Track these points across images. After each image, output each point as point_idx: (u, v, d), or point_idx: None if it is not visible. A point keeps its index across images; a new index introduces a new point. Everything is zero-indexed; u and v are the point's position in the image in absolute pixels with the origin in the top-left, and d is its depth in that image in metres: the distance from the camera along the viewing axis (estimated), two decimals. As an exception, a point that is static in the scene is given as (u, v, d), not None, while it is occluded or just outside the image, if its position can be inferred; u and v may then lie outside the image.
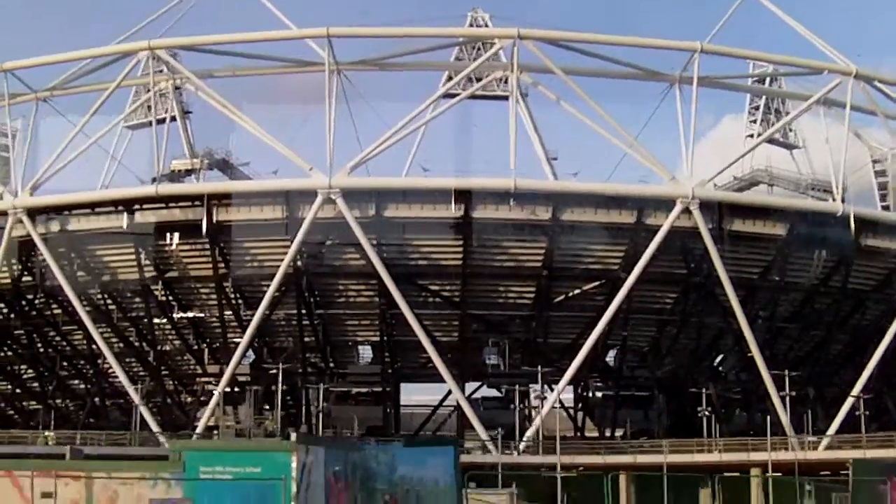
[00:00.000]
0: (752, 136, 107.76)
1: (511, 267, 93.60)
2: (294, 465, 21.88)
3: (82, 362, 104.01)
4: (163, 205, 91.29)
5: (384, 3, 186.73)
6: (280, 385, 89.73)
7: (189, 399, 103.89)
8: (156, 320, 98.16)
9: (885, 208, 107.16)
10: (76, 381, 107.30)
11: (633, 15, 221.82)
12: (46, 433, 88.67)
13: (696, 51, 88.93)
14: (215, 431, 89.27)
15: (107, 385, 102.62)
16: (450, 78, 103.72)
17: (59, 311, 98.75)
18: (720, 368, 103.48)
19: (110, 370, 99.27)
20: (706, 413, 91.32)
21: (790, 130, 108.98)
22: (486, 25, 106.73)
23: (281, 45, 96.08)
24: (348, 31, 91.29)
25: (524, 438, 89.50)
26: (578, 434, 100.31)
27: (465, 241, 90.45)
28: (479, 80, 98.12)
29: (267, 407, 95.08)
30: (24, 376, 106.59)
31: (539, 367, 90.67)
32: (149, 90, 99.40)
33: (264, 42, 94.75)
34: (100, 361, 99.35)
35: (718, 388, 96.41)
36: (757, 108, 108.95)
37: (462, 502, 25.59)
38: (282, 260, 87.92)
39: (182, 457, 22.33)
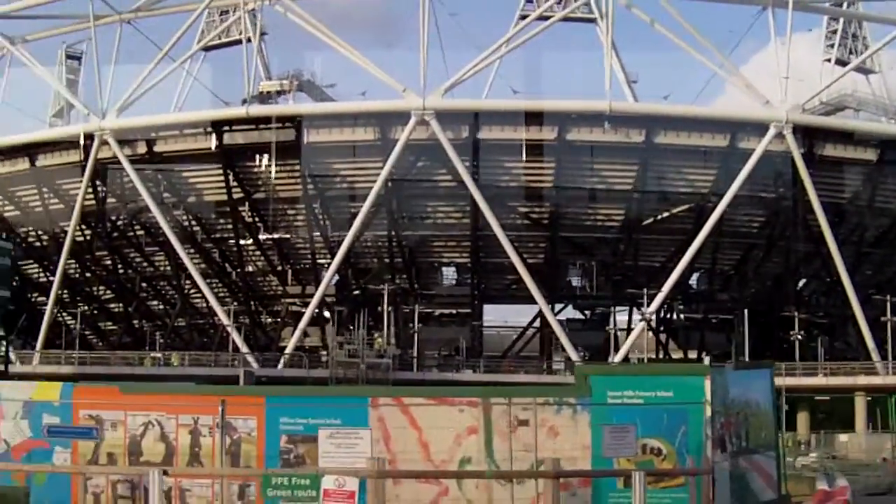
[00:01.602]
0: (829, 60, 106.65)
1: (602, 189, 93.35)
2: (708, 389, 21.75)
3: (163, 283, 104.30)
4: (252, 126, 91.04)
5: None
6: (385, 307, 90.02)
7: (269, 320, 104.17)
8: (241, 241, 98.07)
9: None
10: (155, 303, 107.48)
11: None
12: (172, 354, 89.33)
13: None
14: (324, 353, 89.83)
15: (188, 306, 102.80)
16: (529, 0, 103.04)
17: (142, 232, 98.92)
18: (803, 293, 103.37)
19: (192, 291, 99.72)
20: (798, 337, 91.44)
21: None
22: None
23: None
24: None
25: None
26: (665, 356, 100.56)
27: (557, 163, 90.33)
28: (557, 2, 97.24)
29: (351, 328, 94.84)
30: (104, 297, 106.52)
31: (640, 290, 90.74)
32: (223, 12, 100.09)
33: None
34: (182, 282, 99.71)
35: (802, 313, 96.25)
36: (834, 33, 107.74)
37: (780, 423, 25.69)
38: (373, 181, 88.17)
39: (588, 381, 22.09)
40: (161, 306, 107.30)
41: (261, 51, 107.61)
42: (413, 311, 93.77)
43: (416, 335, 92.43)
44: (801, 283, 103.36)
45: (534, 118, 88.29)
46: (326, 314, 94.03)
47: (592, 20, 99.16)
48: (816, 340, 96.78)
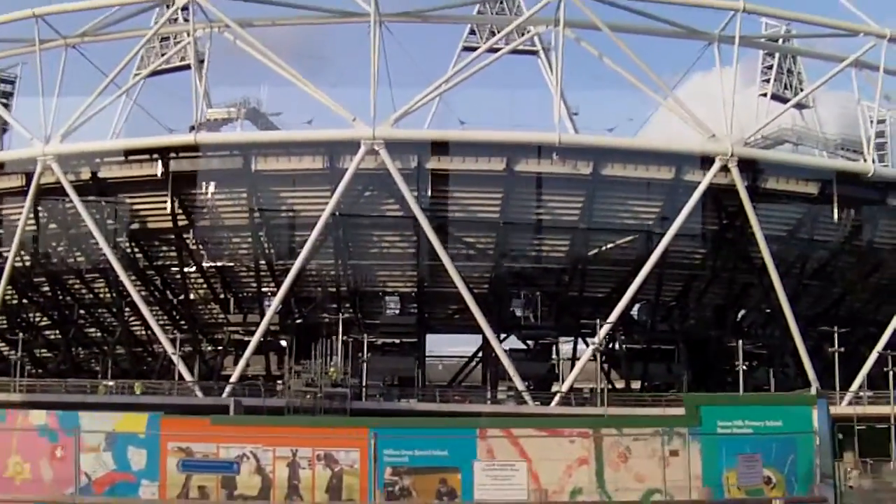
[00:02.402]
0: (765, 94, 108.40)
1: (548, 220, 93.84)
2: (816, 418, 22.13)
3: (101, 311, 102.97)
4: (199, 153, 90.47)
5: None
6: (340, 336, 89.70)
7: (210, 348, 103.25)
8: (185, 269, 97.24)
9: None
10: (92, 330, 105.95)
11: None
12: (136, 383, 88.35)
13: (739, 10, 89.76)
14: (279, 382, 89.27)
15: (128, 334, 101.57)
16: (472, 32, 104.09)
17: (82, 258, 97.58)
18: (743, 324, 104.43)
19: (132, 318, 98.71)
20: (743, 367, 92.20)
21: (800, 89, 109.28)
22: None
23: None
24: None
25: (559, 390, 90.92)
26: (609, 387, 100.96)
27: (504, 194, 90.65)
28: (495, 34, 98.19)
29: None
30: (41, 324, 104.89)
31: (589, 320, 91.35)
32: (163, 39, 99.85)
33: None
34: (122, 309, 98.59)
35: (742, 343, 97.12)
36: (770, 68, 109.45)
37: (835, 452, 26.04)
38: (320, 210, 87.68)
39: (699, 411, 22.31)
40: (100, 334, 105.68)
41: (201, 79, 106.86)
42: (360, 341, 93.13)
43: (364, 365, 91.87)
44: (741, 314, 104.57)
45: (482, 149, 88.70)
46: (283, 342, 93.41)
47: (535, 53, 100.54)
48: (756, 370, 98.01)
